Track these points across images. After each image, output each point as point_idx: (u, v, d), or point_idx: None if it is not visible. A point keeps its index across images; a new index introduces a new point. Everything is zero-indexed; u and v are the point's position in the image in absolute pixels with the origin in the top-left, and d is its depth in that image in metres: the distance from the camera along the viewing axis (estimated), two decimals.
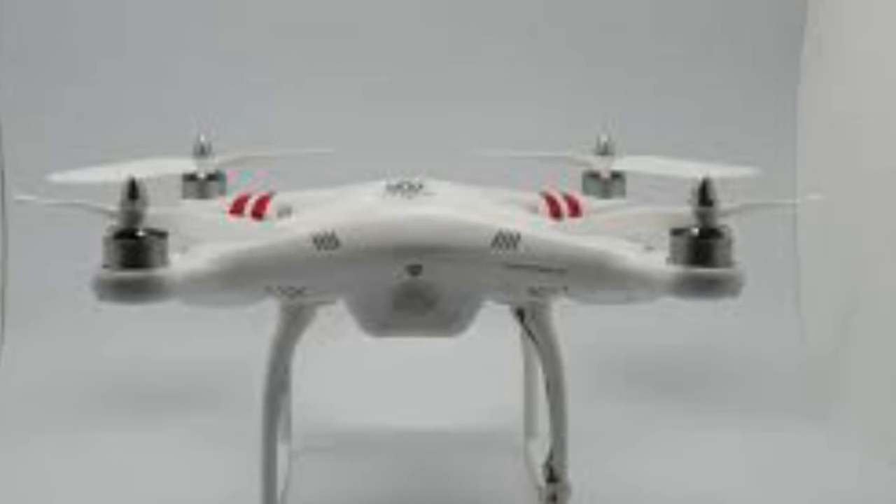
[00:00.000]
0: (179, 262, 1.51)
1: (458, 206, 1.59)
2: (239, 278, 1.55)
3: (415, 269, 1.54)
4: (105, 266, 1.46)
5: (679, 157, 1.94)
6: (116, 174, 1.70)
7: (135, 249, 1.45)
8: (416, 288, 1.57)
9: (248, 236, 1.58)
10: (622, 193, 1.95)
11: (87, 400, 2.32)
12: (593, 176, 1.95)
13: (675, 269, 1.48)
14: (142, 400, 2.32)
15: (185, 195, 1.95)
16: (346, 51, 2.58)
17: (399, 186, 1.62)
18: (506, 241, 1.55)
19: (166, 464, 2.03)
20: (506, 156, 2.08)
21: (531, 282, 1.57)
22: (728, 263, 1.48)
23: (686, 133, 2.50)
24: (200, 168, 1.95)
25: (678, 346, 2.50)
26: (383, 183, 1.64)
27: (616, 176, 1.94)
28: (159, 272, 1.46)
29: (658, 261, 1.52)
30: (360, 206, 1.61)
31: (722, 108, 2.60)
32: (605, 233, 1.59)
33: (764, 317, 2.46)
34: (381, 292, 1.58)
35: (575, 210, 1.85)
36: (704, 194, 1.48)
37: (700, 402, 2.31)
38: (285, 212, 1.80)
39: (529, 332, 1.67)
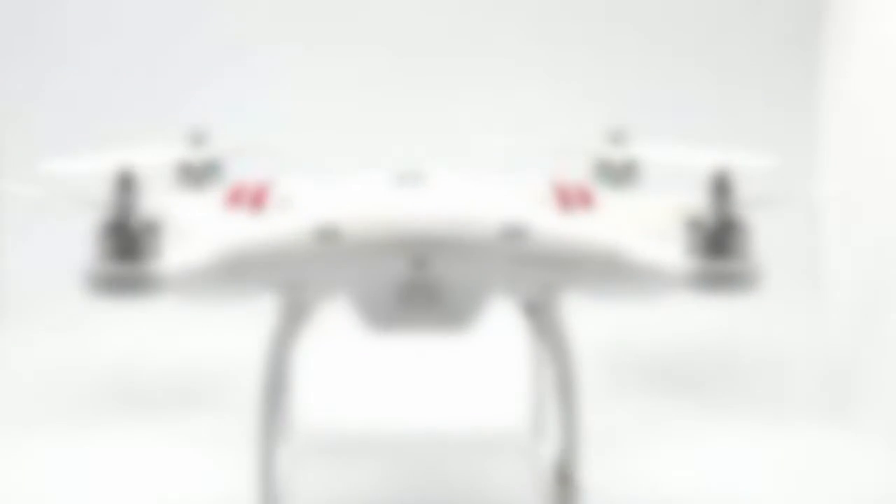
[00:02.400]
0: (174, 255, 1.50)
1: (464, 197, 1.57)
2: (236, 272, 1.53)
3: (420, 263, 1.51)
4: (96, 260, 1.44)
5: (695, 145, 1.93)
6: (109, 163, 1.69)
7: (126, 242, 1.44)
8: (421, 282, 1.54)
9: (246, 228, 1.58)
10: (635, 183, 1.94)
11: (82, 397, 2.33)
12: (605, 165, 1.95)
13: (691, 263, 1.48)
14: (138, 397, 2.32)
15: (180, 184, 1.95)
16: (349, 37, 2.63)
17: (404, 176, 1.60)
18: (514, 232, 1.52)
19: (162, 463, 2.02)
20: (515, 144, 2.08)
21: (540, 275, 1.55)
22: (746, 257, 1.47)
23: (702, 119, 2.53)
24: (196, 156, 1.95)
25: (694, 342, 2.50)
26: (387, 172, 1.62)
27: (629, 165, 1.94)
28: (152, 266, 1.45)
29: (672, 254, 1.51)
30: (363, 197, 1.59)
31: (739, 94, 2.66)
32: (617, 224, 1.59)
33: (784, 311, 2.47)
34: (385, 287, 1.55)
35: (586, 200, 1.82)
36: (721, 184, 1.47)
37: (717, 400, 2.30)
38: (285, 202, 1.76)
39: (538, 328, 1.65)
